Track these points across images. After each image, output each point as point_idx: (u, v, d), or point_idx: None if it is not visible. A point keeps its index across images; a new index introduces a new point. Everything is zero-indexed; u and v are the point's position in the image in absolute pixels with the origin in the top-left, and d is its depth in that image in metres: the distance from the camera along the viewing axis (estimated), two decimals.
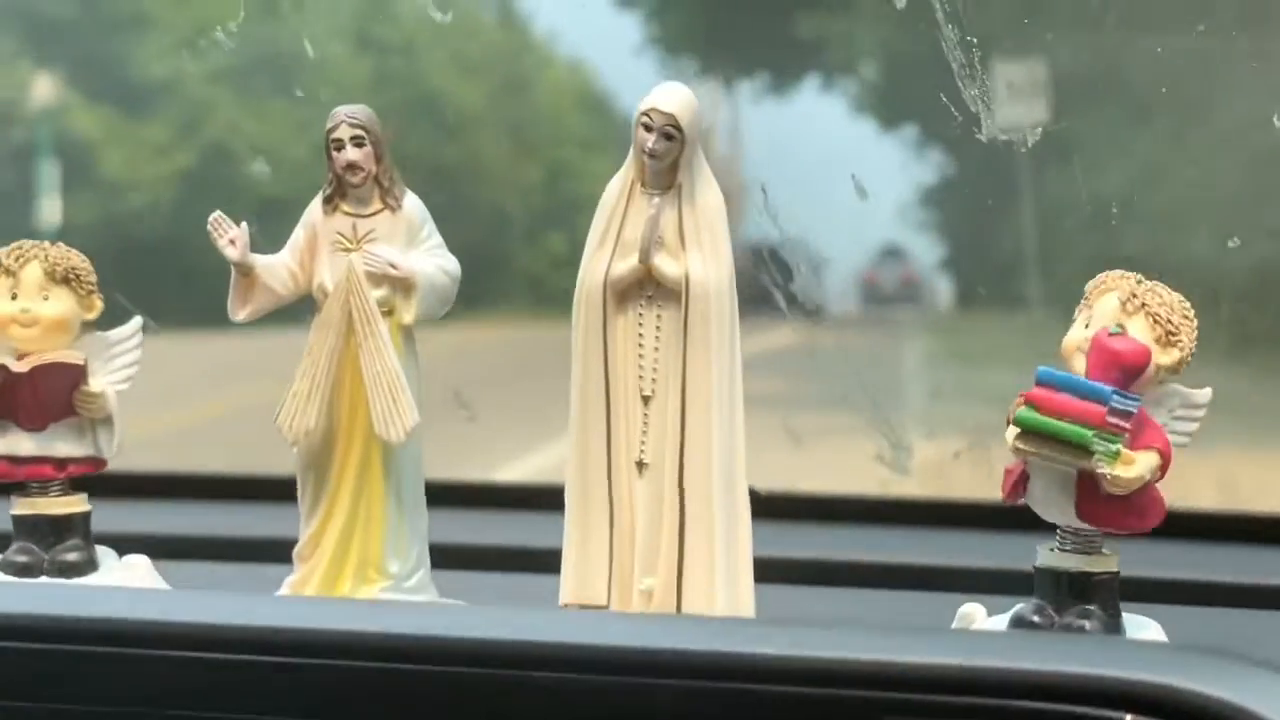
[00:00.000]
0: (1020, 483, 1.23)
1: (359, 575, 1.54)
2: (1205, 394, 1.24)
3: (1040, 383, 1.19)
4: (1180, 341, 1.21)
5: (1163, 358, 1.21)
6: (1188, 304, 1.22)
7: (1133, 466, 1.18)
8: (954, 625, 1.24)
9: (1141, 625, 1.22)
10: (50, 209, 24.00)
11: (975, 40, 2.35)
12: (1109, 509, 1.19)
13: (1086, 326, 1.24)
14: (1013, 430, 1.21)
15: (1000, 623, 1.22)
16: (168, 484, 2.05)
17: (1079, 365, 1.22)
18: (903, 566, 1.63)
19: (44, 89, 25.11)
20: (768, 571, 1.40)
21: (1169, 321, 1.21)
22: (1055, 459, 1.19)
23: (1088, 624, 1.18)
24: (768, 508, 1.47)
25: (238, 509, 1.91)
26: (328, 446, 1.56)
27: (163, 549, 1.59)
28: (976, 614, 1.25)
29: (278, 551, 1.56)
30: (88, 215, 27.42)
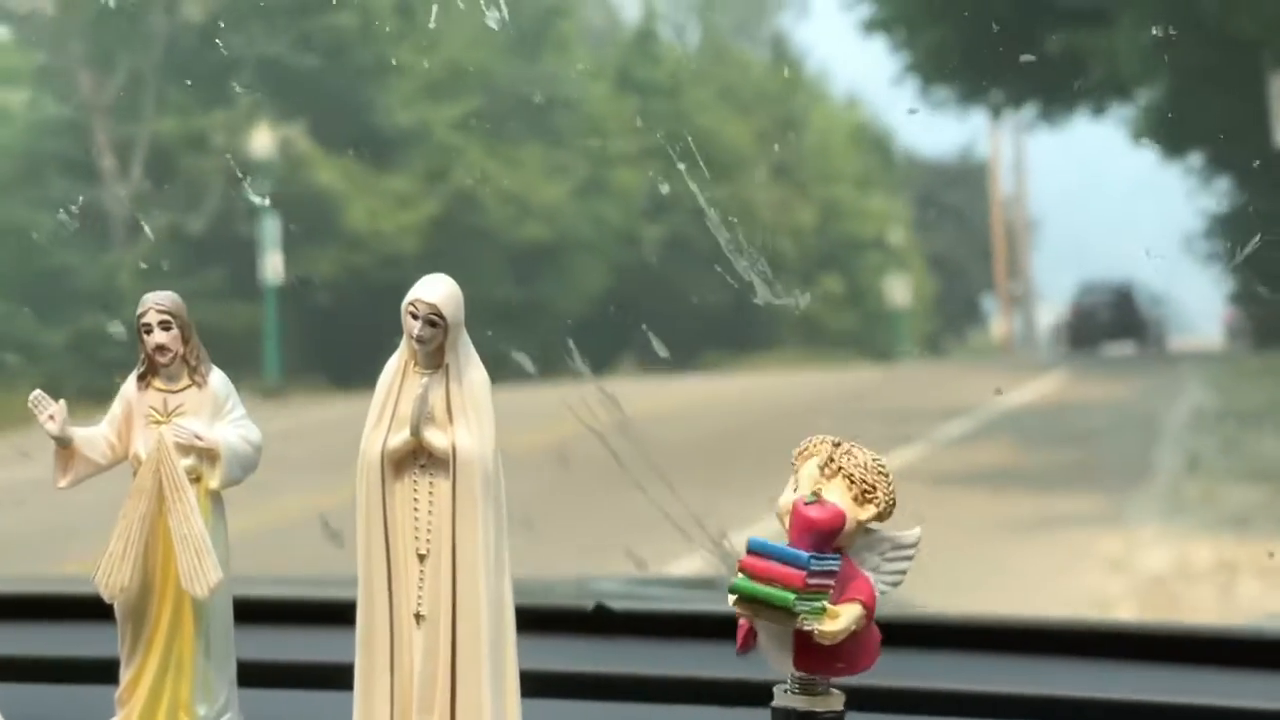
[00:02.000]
0: (751, 636, 1.33)
1: (171, 718, 1.71)
2: (914, 534, 1.30)
3: (751, 550, 1.30)
4: (876, 497, 1.29)
5: (861, 514, 1.28)
6: (882, 461, 1.26)
7: (837, 620, 1.28)
8: None
9: None
10: (272, 264, 24.42)
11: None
12: (821, 658, 1.28)
13: (795, 490, 1.32)
14: (730, 596, 1.31)
15: None
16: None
17: (788, 522, 1.31)
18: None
19: (265, 141, 25.52)
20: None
21: (864, 481, 1.29)
22: (771, 619, 1.29)
23: None
24: (958, 638, 1.53)
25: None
26: (142, 601, 1.74)
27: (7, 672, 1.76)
28: None
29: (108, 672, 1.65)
30: (328, 267, 27.84)
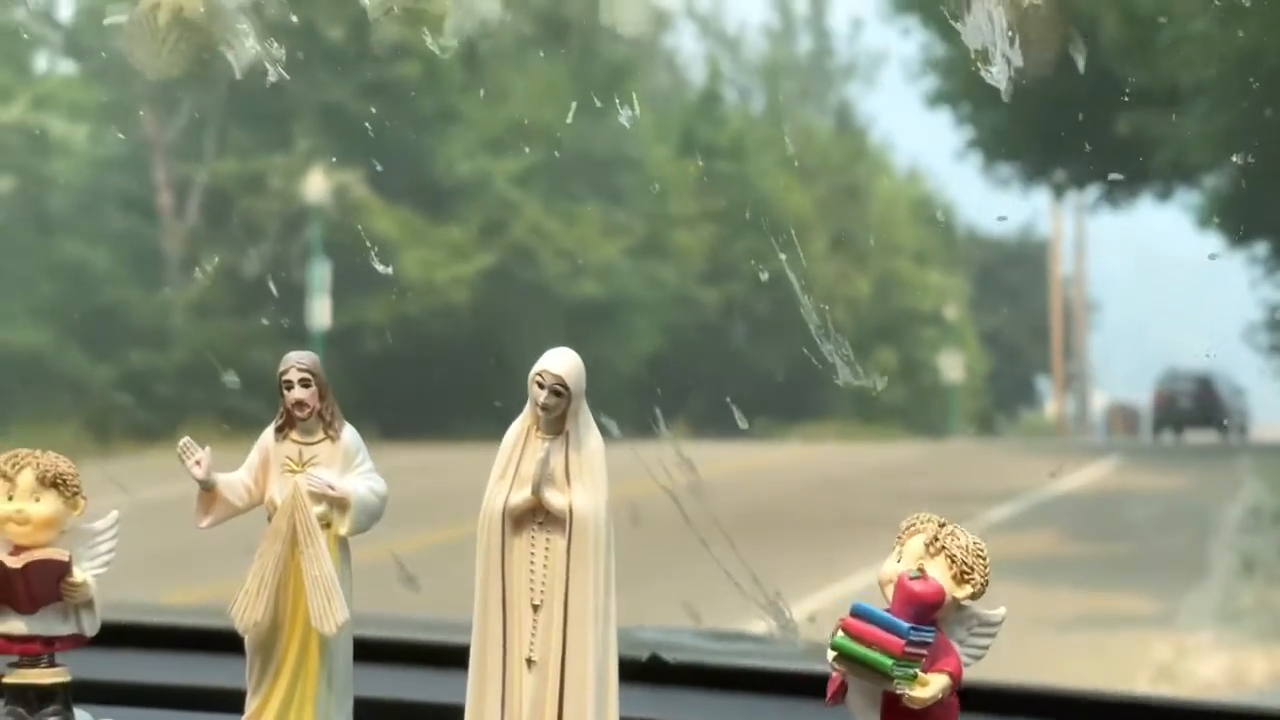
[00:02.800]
0: (841, 690, 1.45)
1: None
2: (1000, 613, 1.45)
3: (854, 614, 1.42)
4: (973, 579, 1.43)
5: (958, 592, 1.42)
6: (982, 544, 1.40)
7: (927, 688, 1.41)
8: None
9: None
10: (320, 310, 24.22)
11: None
12: (906, 718, 1.40)
13: (899, 561, 1.45)
14: (831, 652, 1.44)
15: None
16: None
17: (890, 593, 1.43)
18: None
19: (319, 186, 25.29)
20: None
21: (964, 563, 1.43)
22: (865, 678, 1.42)
23: None
24: (1027, 706, 1.72)
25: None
26: (273, 636, 1.88)
27: (139, 697, 1.94)
28: None
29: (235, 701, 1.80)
30: (379, 316, 27.55)
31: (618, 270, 34.30)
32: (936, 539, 1.50)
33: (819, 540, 11.89)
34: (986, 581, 1.43)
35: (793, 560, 9.99)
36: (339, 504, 1.93)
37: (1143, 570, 8.99)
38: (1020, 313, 69.14)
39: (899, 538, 1.51)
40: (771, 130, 51.31)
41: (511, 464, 1.79)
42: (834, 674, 1.52)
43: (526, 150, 32.71)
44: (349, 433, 1.99)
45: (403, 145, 30.60)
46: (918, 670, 1.46)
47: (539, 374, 1.78)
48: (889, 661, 1.45)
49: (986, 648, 1.47)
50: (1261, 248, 33.35)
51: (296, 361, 2.00)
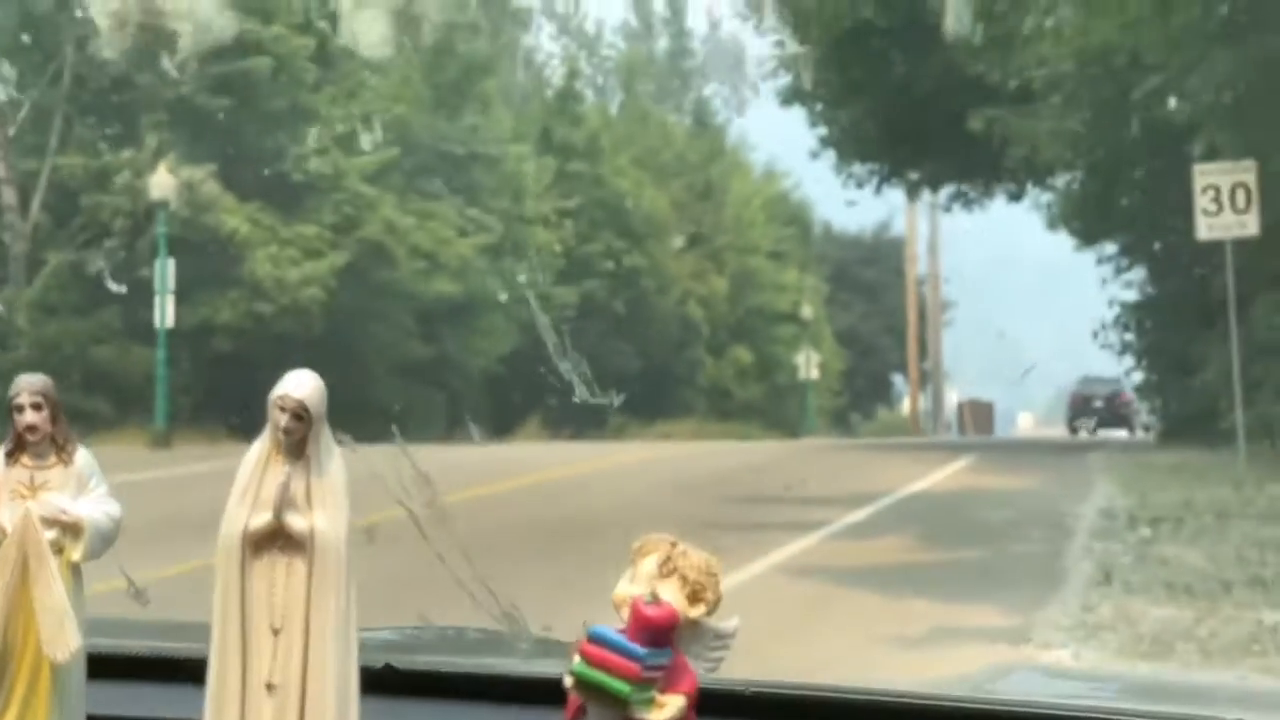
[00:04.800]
0: (580, 710, 1.50)
1: None
2: (733, 625, 1.50)
3: (591, 639, 1.48)
4: (706, 597, 1.48)
5: (691, 612, 1.47)
6: (714, 562, 1.44)
7: (664, 711, 1.47)
8: None
9: None
10: (166, 308, 23.68)
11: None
12: None
13: (631, 581, 1.50)
14: (569, 678, 1.49)
15: None
16: None
17: (625, 614, 1.48)
18: None
19: (166, 182, 24.67)
20: None
21: (696, 582, 1.47)
22: (604, 704, 1.48)
23: None
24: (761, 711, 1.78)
25: None
26: (2, 663, 1.87)
27: None
28: None
29: None
30: (229, 314, 26.96)
31: (474, 268, 33.98)
32: (669, 559, 1.52)
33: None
34: (719, 599, 1.48)
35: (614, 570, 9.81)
36: (72, 529, 1.89)
37: (1000, 583, 8.86)
38: (876, 310, 69.72)
39: (631, 558, 1.52)
40: (629, 129, 51.29)
41: (251, 487, 1.78)
42: (572, 698, 1.55)
43: (380, 149, 32.28)
44: (82, 456, 1.94)
45: (253, 141, 30.08)
46: (654, 694, 1.51)
47: (280, 398, 1.77)
48: (627, 689, 1.49)
49: (722, 658, 1.51)
50: (1110, 247, 33.81)
51: (28, 385, 1.97)
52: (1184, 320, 25.47)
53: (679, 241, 45.85)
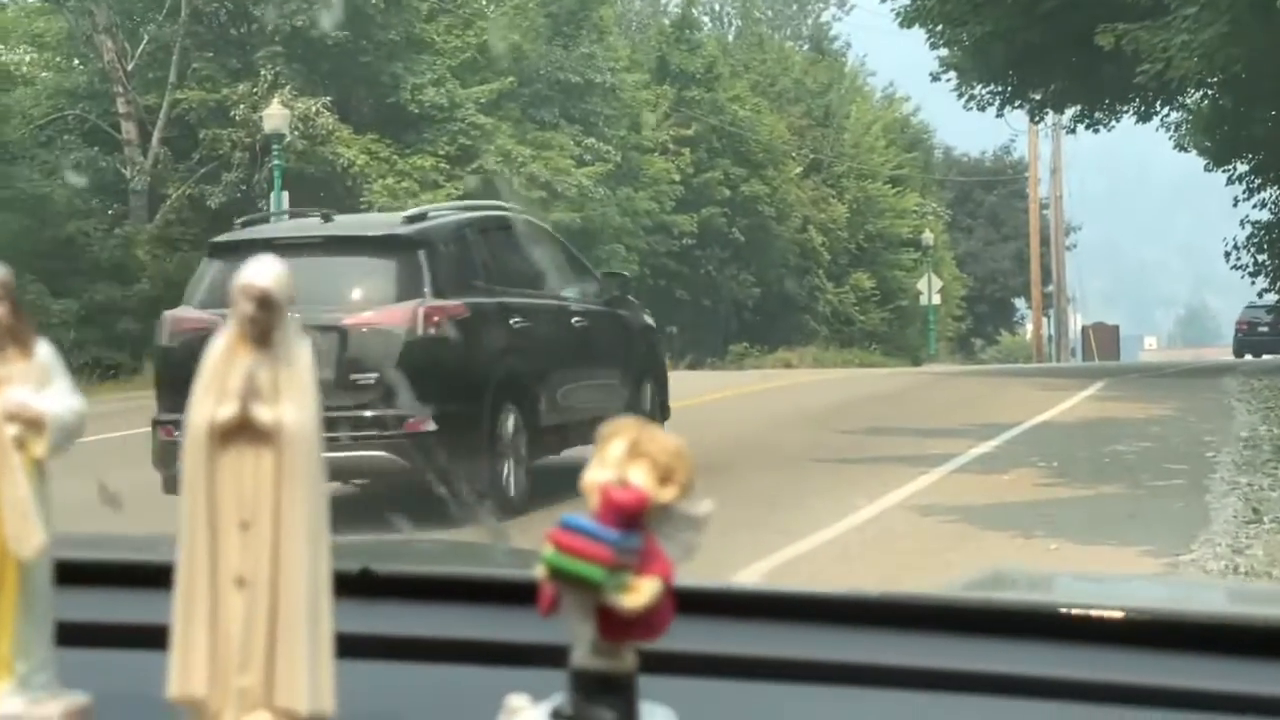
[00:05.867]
0: (555, 602, 1.48)
1: None
2: (705, 508, 1.46)
3: (562, 527, 1.43)
4: (677, 478, 1.44)
5: (662, 495, 1.44)
6: (683, 444, 1.40)
7: (639, 594, 1.43)
8: (501, 716, 1.45)
9: (653, 713, 1.45)
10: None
11: None
12: (621, 626, 1.44)
13: (600, 468, 1.46)
14: (542, 567, 1.44)
15: (543, 713, 1.44)
16: None
17: (596, 500, 1.44)
18: None
19: (281, 114, 24.67)
20: None
21: (666, 465, 1.44)
22: (578, 590, 1.45)
23: (609, 714, 1.44)
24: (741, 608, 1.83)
25: None
26: None
27: None
28: (521, 705, 1.46)
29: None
30: None
31: (592, 197, 33.79)
32: (636, 443, 1.47)
33: (791, 477, 11.45)
34: (690, 481, 1.42)
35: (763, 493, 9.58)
36: (34, 424, 1.77)
37: (1136, 515, 8.52)
38: (998, 235, 69.06)
39: (599, 443, 1.47)
40: (746, 55, 50.92)
41: (217, 379, 1.68)
42: (546, 587, 1.50)
43: (489, 76, 32.04)
44: (44, 349, 1.80)
45: (369, 73, 30.02)
46: (628, 578, 1.46)
47: (243, 287, 1.63)
48: (600, 574, 1.45)
49: (696, 544, 1.44)
50: (1241, 167, 33.05)
51: None
52: None
53: (798, 168, 45.54)
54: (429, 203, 29.66)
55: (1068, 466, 10.74)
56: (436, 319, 10.36)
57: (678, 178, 39.28)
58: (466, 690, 1.80)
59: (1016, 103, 31.35)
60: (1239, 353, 41.59)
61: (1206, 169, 32.61)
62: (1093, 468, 10.62)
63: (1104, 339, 63.02)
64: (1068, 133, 38.78)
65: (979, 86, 30.36)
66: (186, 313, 10.69)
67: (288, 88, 28.26)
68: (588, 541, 1.47)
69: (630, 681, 1.51)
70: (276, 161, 25.30)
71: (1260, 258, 31.50)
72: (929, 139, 61.47)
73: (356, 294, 10.63)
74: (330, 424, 8.17)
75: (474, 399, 10.46)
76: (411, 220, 11.18)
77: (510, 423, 10.80)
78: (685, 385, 17.75)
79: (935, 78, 30.96)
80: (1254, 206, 32.00)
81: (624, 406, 12.10)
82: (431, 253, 10.87)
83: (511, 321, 11.19)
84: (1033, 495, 9.56)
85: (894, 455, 11.87)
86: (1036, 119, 40.39)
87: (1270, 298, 32.50)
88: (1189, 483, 9.67)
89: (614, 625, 1.50)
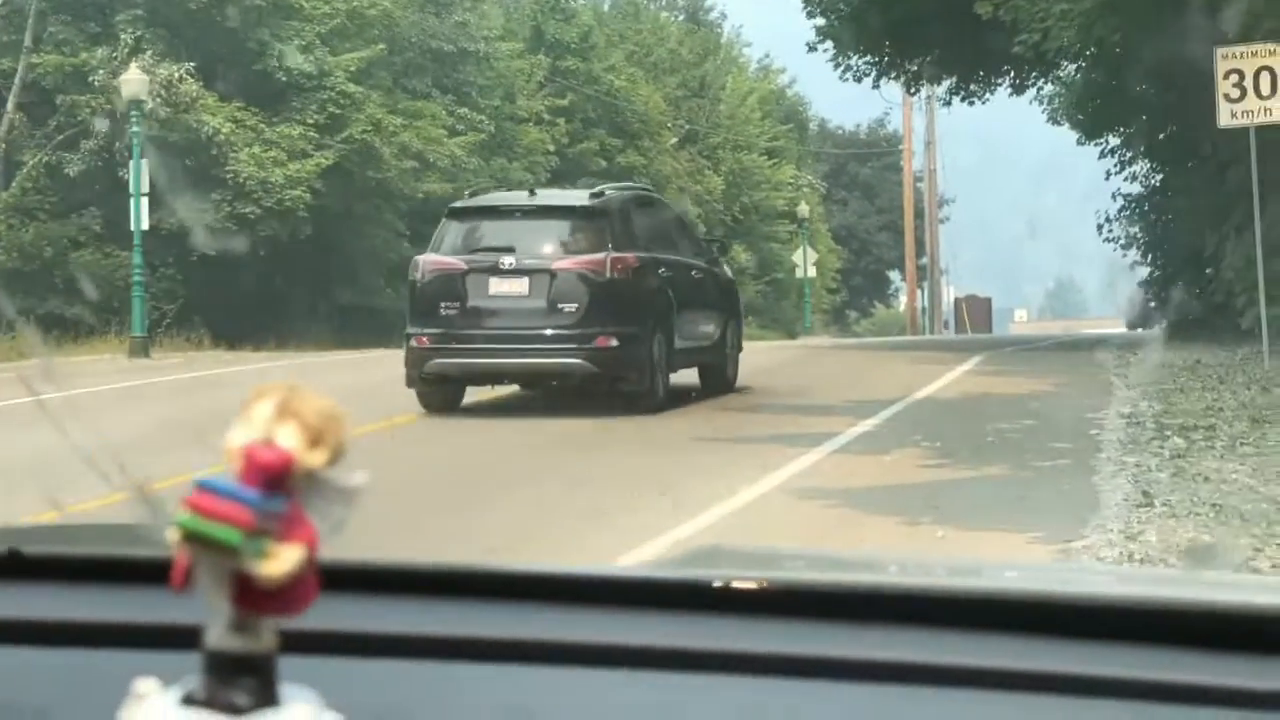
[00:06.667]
0: (189, 572, 1.40)
1: None
2: (357, 479, 1.39)
3: (198, 488, 1.36)
4: (327, 440, 1.38)
5: (310, 458, 1.37)
6: (336, 406, 1.35)
7: (280, 562, 1.37)
8: (128, 702, 1.35)
9: (295, 695, 1.37)
10: (142, 210, 23.30)
11: None
12: (260, 599, 1.37)
13: (246, 429, 1.39)
14: (174, 531, 1.37)
15: (174, 698, 1.34)
16: None
17: (238, 463, 1.37)
18: None
19: (141, 81, 24.22)
20: None
21: (316, 427, 1.38)
22: (215, 556, 1.37)
23: (244, 697, 1.34)
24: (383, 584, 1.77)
25: None
26: None
27: None
28: (149, 690, 1.36)
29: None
30: (214, 216, 26.40)
31: (465, 168, 33.21)
32: (285, 403, 1.40)
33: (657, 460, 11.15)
34: (341, 446, 1.35)
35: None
36: None
37: (1024, 498, 8.24)
38: (872, 208, 69.20)
39: (245, 404, 1.39)
40: (621, 25, 50.50)
41: None
42: (179, 556, 1.40)
43: (360, 44, 31.36)
44: None
45: (235, 39, 29.27)
46: (269, 544, 1.37)
47: None
48: (238, 537, 1.35)
49: (346, 517, 1.37)
50: (1114, 140, 33.14)
51: None
52: (1197, 213, 24.80)
53: (673, 139, 45.25)
54: (297, 171, 29.18)
55: (951, 446, 10.45)
56: (619, 266, 13.89)
57: (553, 148, 38.85)
58: (100, 675, 1.68)
59: (893, 74, 31.20)
60: (1132, 326, 41.91)
61: (1079, 143, 32.69)
62: (976, 447, 10.33)
63: (977, 311, 63.38)
64: (942, 105, 38.74)
65: (855, 57, 30.15)
66: (432, 258, 14.20)
67: (149, 53, 27.46)
68: (225, 502, 1.36)
69: (269, 663, 1.41)
70: (135, 129, 24.53)
71: (1132, 230, 31.64)
72: (804, 111, 61.40)
73: (561, 247, 14.23)
74: (542, 338, 13.56)
75: (641, 325, 13.88)
76: (595, 195, 14.85)
77: (658, 343, 14.02)
78: None
79: (812, 48, 30.72)
80: (1125, 180, 32.14)
81: (718, 339, 15.88)
82: (611, 218, 14.43)
83: (660, 271, 14.64)
84: (916, 477, 9.25)
85: (775, 434, 11.60)
86: (912, 90, 40.26)
87: (1143, 270, 32.65)
88: (1075, 462, 9.41)
89: (252, 596, 1.40)
